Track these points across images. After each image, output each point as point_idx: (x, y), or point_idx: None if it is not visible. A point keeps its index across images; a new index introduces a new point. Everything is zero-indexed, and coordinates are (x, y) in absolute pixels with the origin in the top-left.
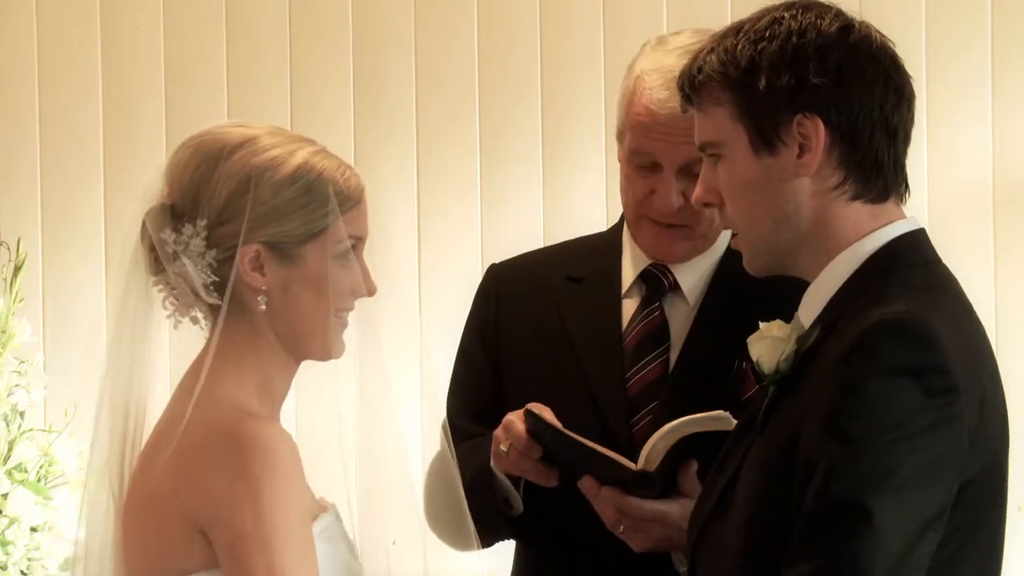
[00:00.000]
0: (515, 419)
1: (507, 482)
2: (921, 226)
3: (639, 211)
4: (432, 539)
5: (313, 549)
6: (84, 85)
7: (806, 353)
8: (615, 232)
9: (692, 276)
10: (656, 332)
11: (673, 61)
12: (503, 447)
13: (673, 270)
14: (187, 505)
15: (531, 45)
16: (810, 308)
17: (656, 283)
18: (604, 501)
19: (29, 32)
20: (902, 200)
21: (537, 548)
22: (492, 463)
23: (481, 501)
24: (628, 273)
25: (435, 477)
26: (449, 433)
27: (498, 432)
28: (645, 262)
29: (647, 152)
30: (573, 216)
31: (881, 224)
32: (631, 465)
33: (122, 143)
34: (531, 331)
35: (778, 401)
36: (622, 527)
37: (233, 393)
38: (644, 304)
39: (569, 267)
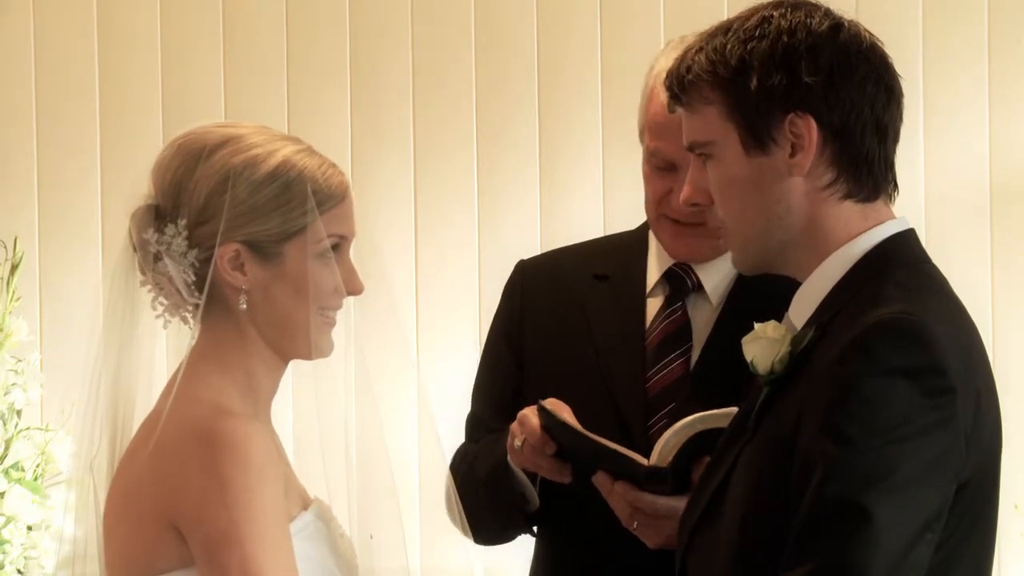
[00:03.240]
0: (530, 414)
1: (523, 477)
2: (911, 226)
3: (658, 210)
4: (422, 538)
5: (290, 546)
6: (81, 84)
7: (800, 354)
8: (642, 231)
9: (715, 276)
10: (678, 331)
11: None
12: (517, 442)
13: (697, 270)
14: (161, 503)
15: (528, 50)
16: (801, 309)
17: (679, 283)
18: (618, 496)
19: (26, 31)
20: (891, 200)
21: (554, 542)
22: (508, 457)
23: (498, 495)
24: (653, 272)
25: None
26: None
27: (513, 426)
28: (669, 261)
29: (663, 153)
30: (570, 221)
31: (872, 225)
32: (644, 461)
33: (118, 142)
34: (555, 328)
35: (771, 403)
36: (636, 523)
37: (214, 392)
38: (667, 303)
39: (595, 265)
